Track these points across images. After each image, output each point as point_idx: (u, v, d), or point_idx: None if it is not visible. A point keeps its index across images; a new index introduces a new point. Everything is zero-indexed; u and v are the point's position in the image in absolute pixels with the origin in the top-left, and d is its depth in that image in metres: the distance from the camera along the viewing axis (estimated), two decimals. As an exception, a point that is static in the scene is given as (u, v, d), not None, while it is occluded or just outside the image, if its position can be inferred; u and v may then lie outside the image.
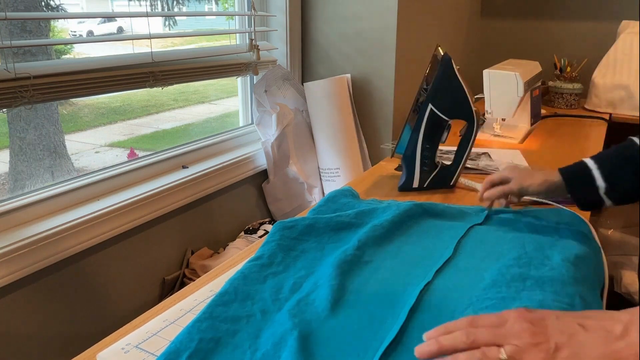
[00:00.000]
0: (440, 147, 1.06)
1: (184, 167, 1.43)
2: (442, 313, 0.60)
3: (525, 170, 0.89)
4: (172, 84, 1.32)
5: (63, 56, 1.34)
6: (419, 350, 0.47)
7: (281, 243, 0.76)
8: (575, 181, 0.82)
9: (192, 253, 1.45)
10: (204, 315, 0.59)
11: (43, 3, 1.17)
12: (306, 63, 1.75)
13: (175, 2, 1.52)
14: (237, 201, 1.59)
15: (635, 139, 0.81)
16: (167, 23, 1.60)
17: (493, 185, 0.89)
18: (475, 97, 1.92)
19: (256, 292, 0.65)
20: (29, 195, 1.09)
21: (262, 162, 1.62)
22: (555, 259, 0.69)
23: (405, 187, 1.06)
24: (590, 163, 0.82)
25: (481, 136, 1.53)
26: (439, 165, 1.05)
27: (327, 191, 1.68)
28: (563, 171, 0.84)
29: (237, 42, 1.64)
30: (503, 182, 0.89)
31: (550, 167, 1.27)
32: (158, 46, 1.29)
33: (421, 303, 0.62)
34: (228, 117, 1.79)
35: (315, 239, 0.78)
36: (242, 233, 1.59)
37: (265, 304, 0.63)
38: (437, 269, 0.70)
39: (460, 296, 0.63)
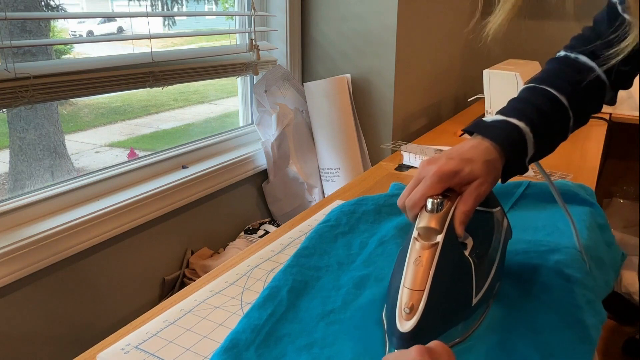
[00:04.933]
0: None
1: (184, 167, 1.43)
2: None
3: (457, 153, 0.59)
4: (172, 84, 1.32)
5: (63, 56, 1.34)
6: None
7: (343, 209, 0.88)
8: (513, 154, 0.61)
9: (192, 253, 1.45)
10: (293, 263, 0.71)
11: (43, 3, 1.17)
12: (306, 63, 1.75)
13: (174, 3, 1.51)
14: (237, 201, 1.59)
15: (551, 90, 0.66)
16: (166, 23, 1.60)
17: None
18: (475, 97, 1.92)
19: (331, 249, 0.76)
20: (29, 195, 1.09)
21: (262, 162, 1.62)
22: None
23: None
24: (524, 128, 0.62)
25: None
26: None
27: (327, 191, 1.68)
28: (503, 144, 0.60)
29: (237, 42, 1.64)
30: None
31: (551, 167, 1.26)
32: (158, 46, 1.29)
33: None
34: (228, 117, 1.79)
35: (372, 201, 0.91)
36: (242, 233, 1.59)
37: (340, 258, 0.74)
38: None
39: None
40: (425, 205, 0.55)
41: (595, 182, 1.14)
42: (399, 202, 0.59)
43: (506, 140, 0.60)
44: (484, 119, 0.64)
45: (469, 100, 1.97)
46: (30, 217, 1.08)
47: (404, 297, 0.50)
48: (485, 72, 1.47)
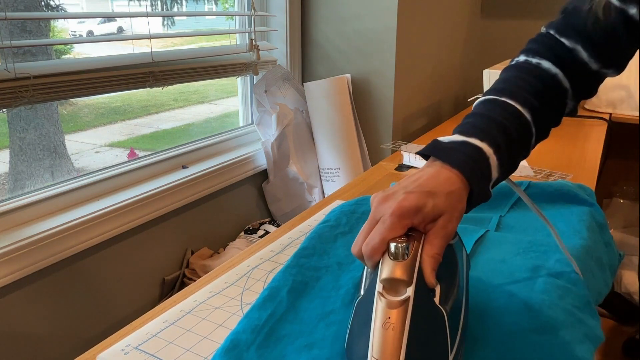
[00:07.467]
0: None
1: (184, 167, 1.43)
2: (496, 255, 0.73)
3: (416, 185, 0.50)
4: (172, 84, 1.32)
5: (63, 56, 1.34)
6: None
7: (343, 209, 0.87)
8: (477, 181, 0.51)
9: (192, 253, 1.45)
10: (292, 263, 0.71)
11: (43, 3, 1.17)
12: (306, 63, 1.75)
13: (174, 3, 1.51)
14: (237, 201, 1.59)
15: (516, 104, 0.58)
16: (165, 23, 1.60)
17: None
18: (475, 97, 1.92)
19: (330, 249, 0.76)
20: (29, 195, 1.09)
21: (262, 162, 1.62)
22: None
23: None
24: (487, 150, 0.53)
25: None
26: None
27: (327, 191, 1.68)
28: (465, 170, 0.51)
29: (237, 42, 1.64)
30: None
31: (550, 167, 1.27)
32: (158, 46, 1.29)
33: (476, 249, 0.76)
34: (228, 117, 1.79)
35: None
36: (242, 233, 1.59)
37: (340, 258, 0.74)
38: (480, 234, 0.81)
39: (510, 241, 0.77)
40: (387, 251, 0.45)
41: (595, 182, 1.14)
42: (354, 249, 0.49)
43: (468, 166, 0.50)
44: (440, 139, 0.54)
45: (469, 100, 1.97)
46: (30, 217, 1.08)
47: None
48: (485, 72, 1.47)
